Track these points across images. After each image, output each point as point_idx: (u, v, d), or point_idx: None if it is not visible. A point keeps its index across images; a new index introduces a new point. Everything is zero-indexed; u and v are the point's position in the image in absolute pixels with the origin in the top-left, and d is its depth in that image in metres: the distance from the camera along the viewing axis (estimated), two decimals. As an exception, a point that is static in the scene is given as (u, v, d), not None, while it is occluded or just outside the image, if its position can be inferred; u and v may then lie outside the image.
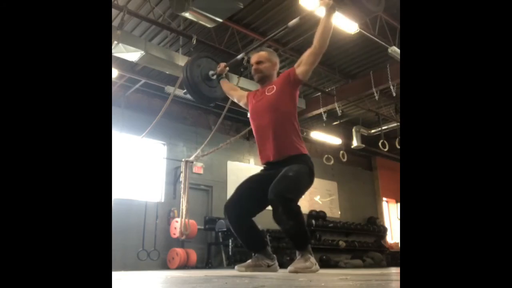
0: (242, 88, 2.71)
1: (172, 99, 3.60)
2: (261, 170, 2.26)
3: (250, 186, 2.19)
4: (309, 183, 2.12)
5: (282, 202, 1.89)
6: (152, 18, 5.32)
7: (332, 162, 8.93)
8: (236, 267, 2.17)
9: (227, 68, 2.60)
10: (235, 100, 2.50)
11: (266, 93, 2.22)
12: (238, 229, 2.17)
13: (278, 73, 2.37)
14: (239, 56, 2.67)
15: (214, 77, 2.58)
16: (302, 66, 2.13)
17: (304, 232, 2.01)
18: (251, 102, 2.32)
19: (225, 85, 2.58)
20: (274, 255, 2.20)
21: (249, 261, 2.17)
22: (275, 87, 2.20)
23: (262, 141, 2.20)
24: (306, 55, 2.12)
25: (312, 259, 1.96)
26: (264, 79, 2.30)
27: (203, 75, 2.58)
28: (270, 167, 2.17)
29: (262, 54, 2.31)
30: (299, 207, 1.96)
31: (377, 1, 2.50)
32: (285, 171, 2.00)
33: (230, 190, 4.46)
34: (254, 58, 2.33)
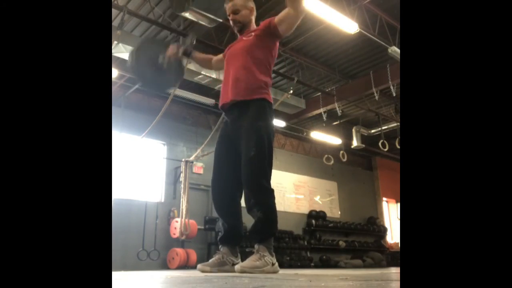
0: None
1: (172, 99, 3.60)
2: (224, 125, 2.15)
3: (224, 154, 2.11)
4: (272, 139, 2.03)
5: (252, 193, 1.91)
6: (152, 18, 5.32)
7: (332, 162, 8.93)
8: (198, 266, 2.09)
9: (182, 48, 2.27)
10: (214, 69, 2.34)
11: (243, 38, 2.14)
12: (224, 212, 2.12)
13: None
14: (188, 38, 2.34)
15: (165, 64, 2.23)
16: (283, 25, 2.00)
17: (269, 223, 1.92)
18: (228, 51, 2.20)
19: (197, 59, 2.37)
20: (239, 253, 2.14)
21: (213, 259, 2.09)
22: (253, 33, 2.10)
23: (227, 82, 2.08)
24: (286, 16, 1.97)
25: (268, 258, 1.84)
26: (244, 28, 2.18)
27: (151, 63, 2.23)
28: (231, 117, 2.07)
29: (237, 1, 2.15)
30: (272, 196, 1.93)
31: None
32: (246, 147, 1.92)
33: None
34: (229, 9, 2.16)
